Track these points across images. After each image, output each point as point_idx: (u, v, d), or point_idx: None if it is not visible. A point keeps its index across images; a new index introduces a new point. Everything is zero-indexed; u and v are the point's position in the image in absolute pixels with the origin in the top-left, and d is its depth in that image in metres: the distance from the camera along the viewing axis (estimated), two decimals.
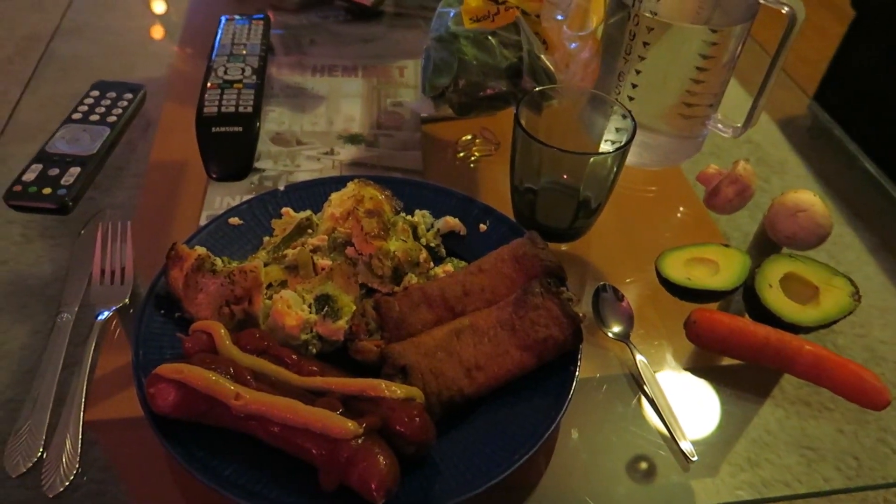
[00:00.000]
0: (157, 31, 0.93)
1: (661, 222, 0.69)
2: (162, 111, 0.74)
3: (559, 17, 0.68)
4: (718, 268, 0.57)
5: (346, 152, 0.73)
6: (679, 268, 0.57)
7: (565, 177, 0.60)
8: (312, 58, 0.86)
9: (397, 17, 0.93)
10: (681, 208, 0.70)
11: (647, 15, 0.62)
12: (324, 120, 0.77)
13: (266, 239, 0.55)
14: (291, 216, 0.55)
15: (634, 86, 0.65)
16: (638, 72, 0.65)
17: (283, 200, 0.58)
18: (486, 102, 0.71)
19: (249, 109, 0.63)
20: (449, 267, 0.55)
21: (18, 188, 0.57)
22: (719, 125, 0.68)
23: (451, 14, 0.71)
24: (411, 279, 0.52)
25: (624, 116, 0.59)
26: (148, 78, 0.77)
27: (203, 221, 0.62)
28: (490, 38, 0.69)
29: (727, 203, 0.63)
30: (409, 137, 0.75)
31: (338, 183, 0.58)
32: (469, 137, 0.72)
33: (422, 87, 0.73)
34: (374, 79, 0.83)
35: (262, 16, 0.77)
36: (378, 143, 0.74)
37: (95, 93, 0.67)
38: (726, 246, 0.59)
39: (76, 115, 0.64)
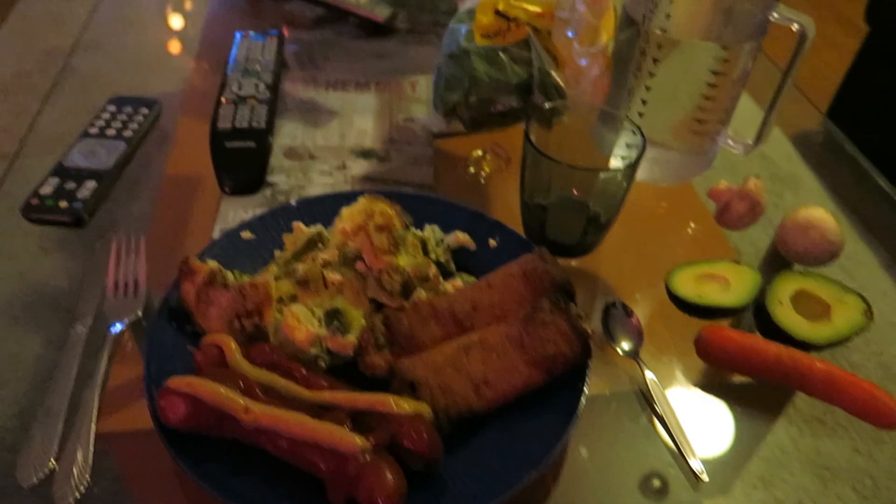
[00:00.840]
0: (174, 46, 0.94)
1: (672, 238, 0.69)
2: (177, 125, 0.75)
3: (569, 34, 0.68)
4: (729, 284, 0.57)
5: (358, 167, 0.73)
6: (689, 284, 0.57)
7: (575, 192, 0.60)
8: (326, 73, 0.87)
9: (410, 34, 0.94)
10: (692, 224, 0.70)
11: (657, 32, 0.62)
12: (336, 135, 0.77)
13: (277, 253, 0.56)
14: (302, 231, 0.56)
15: (644, 102, 0.65)
16: (648, 88, 0.65)
17: (295, 215, 0.58)
18: (497, 118, 0.71)
19: (262, 125, 0.64)
20: (458, 282, 0.55)
21: (35, 201, 0.58)
22: (730, 141, 0.68)
23: (463, 31, 0.72)
24: (421, 294, 0.52)
25: (634, 132, 0.59)
26: (164, 92, 0.78)
27: (216, 235, 0.62)
28: (501, 54, 0.69)
29: (738, 220, 0.63)
30: (421, 152, 0.75)
31: (348, 198, 0.59)
32: (480, 153, 0.73)
33: (433, 102, 0.73)
34: (387, 94, 0.84)
35: (276, 32, 0.78)
36: (390, 158, 0.75)
37: (112, 107, 0.68)
38: (737, 262, 0.59)
39: (93, 130, 0.66)
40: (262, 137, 0.64)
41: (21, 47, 1.31)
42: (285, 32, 0.82)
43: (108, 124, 0.66)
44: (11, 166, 0.69)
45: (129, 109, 0.69)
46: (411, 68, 0.88)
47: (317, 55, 0.90)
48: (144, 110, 0.69)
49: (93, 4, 1.06)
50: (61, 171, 0.61)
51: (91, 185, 0.60)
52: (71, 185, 0.60)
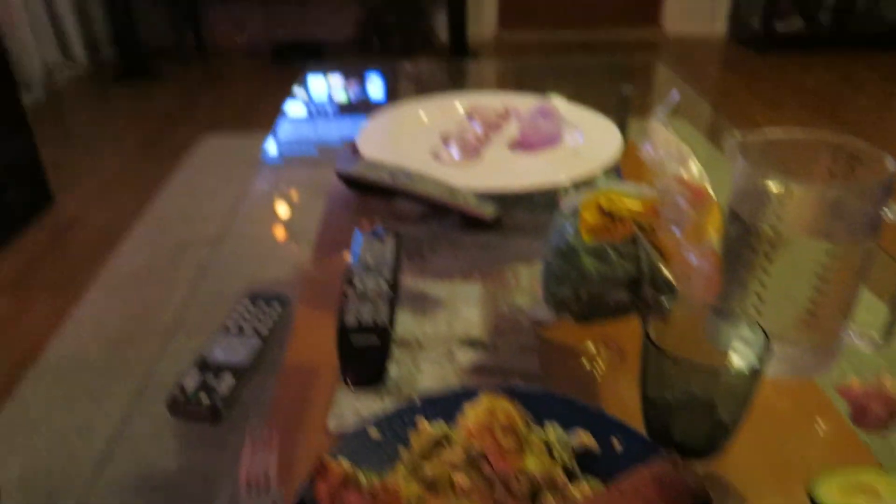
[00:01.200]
0: (292, 240, 1.03)
1: (801, 438, 0.65)
2: (296, 315, 0.81)
3: (675, 231, 0.71)
4: (880, 496, 0.53)
5: (466, 356, 0.75)
6: (835, 495, 0.53)
7: (697, 391, 0.59)
8: (433, 264, 0.92)
9: (511, 226, 0.99)
10: (821, 423, 0.66)
11: (767, 230, 0.64)
12: (444, 324, 0.80)
13: (403, 452, 0.56)
14: (428, 431, 0.56)
15: (760, 297, 0.66)
16: (762, 284, 0.65)
17: (419, 412, 0.60)
18: (608, 311, 0.72)
19: (385, 321, 0.67)
20: (585, 486, 0.53)
21: (180, 396, 0.62)
22: (854, 336, 0.66)
23: (569, 228, 0.76)
24: (548, 499, 0.51)
25: (753, 330, 0.59)
26: (281, 281, 0.85)
27: (330, 424, 0.64)
28: (609, 250, 0.72)
29: (877, 422, 0.60)
30: (527, 342, 0.77)
31: (469, 394, 0.60)
32: (592, 346, 0.73)
33: (543, 296, 0.76)
34: (491, 284, 0.88)
35: (392, 230, 0.85)
36: (496, 348, 0.76)
37: (248, 302, 0.75)
38: (884, 471, 0.55)
39: (230, 324, 0.71)
40: (384, 334, 0.67)
41: (153, 241, 1.47)
42: (396, 229, 0.88)
43: (244, 319, 0.72)
44: (149, 352, 0.74)
45: (263, 305, 0.74)
46: (513, 259, 0.93)
47: (424, 248, 0.96)
48: (277, 306, 0.75)
49: (217, 201, 1.20)
50: (203, 365, 0.66)
51: (229, 380, 0.64)
52: (211, 379, 0.64)
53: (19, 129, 2.59)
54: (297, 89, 1.62)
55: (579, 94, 1.29)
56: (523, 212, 1.02)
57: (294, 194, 1.17)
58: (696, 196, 0.69)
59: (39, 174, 2.67)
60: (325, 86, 1.66)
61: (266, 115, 3.74)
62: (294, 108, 1.54)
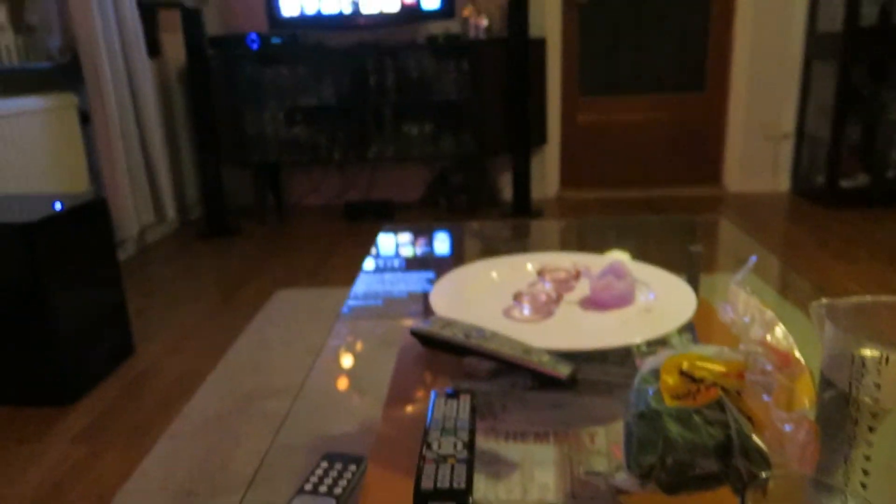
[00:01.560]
0: (362, 394, 1.04)
1: None
2: (367, 474, 0.79)
3: (765, 398, 0.68)
4: None
5: None
6: None
7: None
8: (505, 424, 0.90)
9: (584, 384, 0.98)
10: None
11: (866, 399, 0.61)
12: (518, 488, 0.77)
13: None
14: None
15: (866, 472, 0.61)
16: (866, 456, 0.61)
17: None
18: (696, 481, 0.68)
19: (462, 485, 0.65)
20: None
21: None
22: None
23: (651, 392, 0.74)
24: None
25: None
26: (353, 436, 0.84)
27: None
28: (694, 415, 0.69)
29: None
30: None
31: None
32: None
33: (626, 464, 0.72)
34: (566, 445, 0.85)
35: (467, 389, 0.84)
36: None
37: (325, 464, 0.74)
38: None
39: (307, 486, 0.71)
40: (462, 498, 0.65)
41: (224, 392, 1.50)
42: (468, 387, 0.88)
43: (320, 481, 0.71)
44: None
45: (339, 466, 0.74)
46: (588, 419, 0.90)
47: (495, 406, 0.95)
48: (353, 467, 0.74)
49: (288, 353, 1.23)
50: None
51: None
52: None
53: (113, 286, 2.78)
54: (371, 248, 1.70)
55: (644, 253, 1.31)
56: (596, 370, 1.00)
57: (365, 348, 1.19)
58: (784, 361, 0.67)
59: (125, 326, 2.82)
60: (394, 243, 1.75)
61: (337, 270, 3.92)
62: (369, 264, 1.61)
